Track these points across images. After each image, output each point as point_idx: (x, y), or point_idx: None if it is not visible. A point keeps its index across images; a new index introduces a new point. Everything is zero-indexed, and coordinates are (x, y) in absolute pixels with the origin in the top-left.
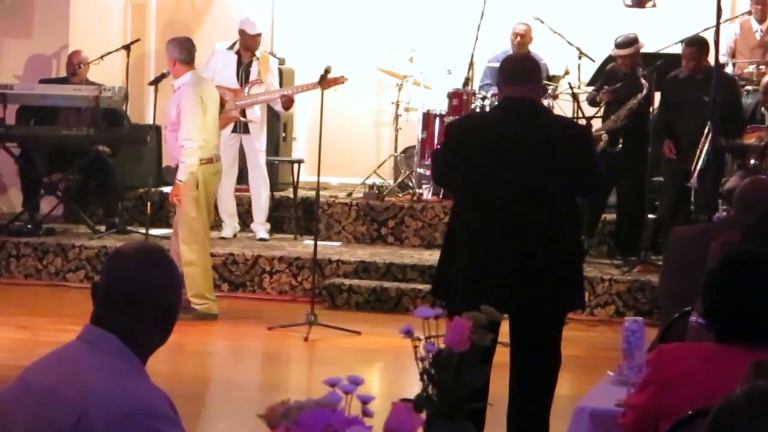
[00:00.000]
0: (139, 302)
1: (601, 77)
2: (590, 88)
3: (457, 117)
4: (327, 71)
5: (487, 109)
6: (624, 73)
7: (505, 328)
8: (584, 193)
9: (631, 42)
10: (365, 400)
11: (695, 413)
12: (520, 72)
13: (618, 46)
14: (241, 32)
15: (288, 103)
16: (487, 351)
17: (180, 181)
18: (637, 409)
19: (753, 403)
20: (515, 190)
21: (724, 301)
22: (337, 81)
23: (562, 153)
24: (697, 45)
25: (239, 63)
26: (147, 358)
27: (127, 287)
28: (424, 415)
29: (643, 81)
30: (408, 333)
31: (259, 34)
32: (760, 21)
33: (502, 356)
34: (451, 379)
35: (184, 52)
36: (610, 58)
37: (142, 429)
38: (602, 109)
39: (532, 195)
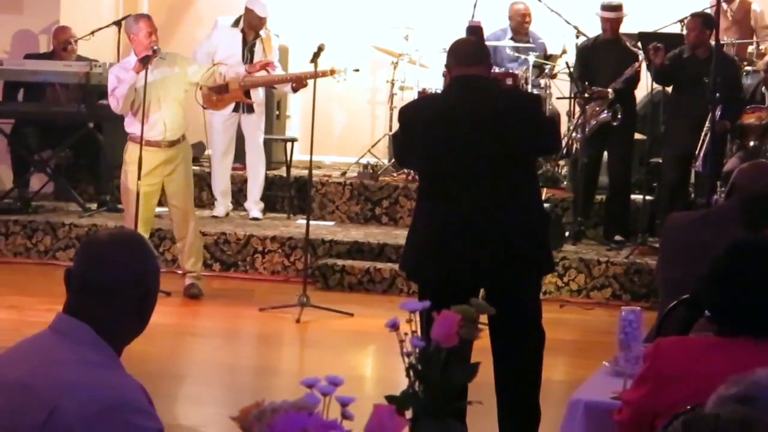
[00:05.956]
0: (115, 291)
1: (578, 64)
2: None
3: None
4: (320, 49)
5: None
6: (605, 40)
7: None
8: (542, 155)
9: (618, 7)
10: (345, 402)
11: (693, 408)
12: (472, 53)
13: (604, 8)
14: (250, 12)
15: (300, 86)
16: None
17: None
18: (634, 406)
19: None
20: (472, 162)
21: (730, 292)
22: (333, 72)
23: (513, 121)
24: (701, 17)
25: (244, 42)
26: (122, 349)
27: (103, 275)
28: (409, 414)
29: (634, 49)
30: (393, 326)
31: (266, 17)
32: (728, 1)
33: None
34: (438, 375)
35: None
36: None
37: (118, 423)
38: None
39: (489, 165)
